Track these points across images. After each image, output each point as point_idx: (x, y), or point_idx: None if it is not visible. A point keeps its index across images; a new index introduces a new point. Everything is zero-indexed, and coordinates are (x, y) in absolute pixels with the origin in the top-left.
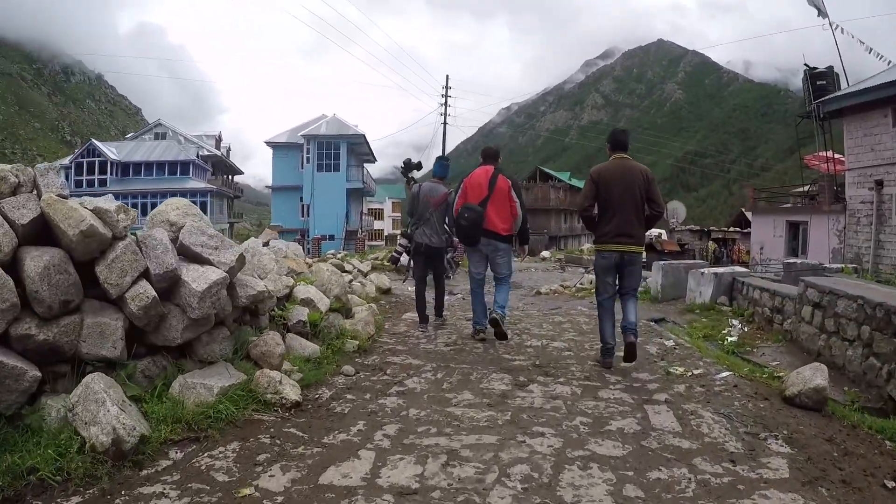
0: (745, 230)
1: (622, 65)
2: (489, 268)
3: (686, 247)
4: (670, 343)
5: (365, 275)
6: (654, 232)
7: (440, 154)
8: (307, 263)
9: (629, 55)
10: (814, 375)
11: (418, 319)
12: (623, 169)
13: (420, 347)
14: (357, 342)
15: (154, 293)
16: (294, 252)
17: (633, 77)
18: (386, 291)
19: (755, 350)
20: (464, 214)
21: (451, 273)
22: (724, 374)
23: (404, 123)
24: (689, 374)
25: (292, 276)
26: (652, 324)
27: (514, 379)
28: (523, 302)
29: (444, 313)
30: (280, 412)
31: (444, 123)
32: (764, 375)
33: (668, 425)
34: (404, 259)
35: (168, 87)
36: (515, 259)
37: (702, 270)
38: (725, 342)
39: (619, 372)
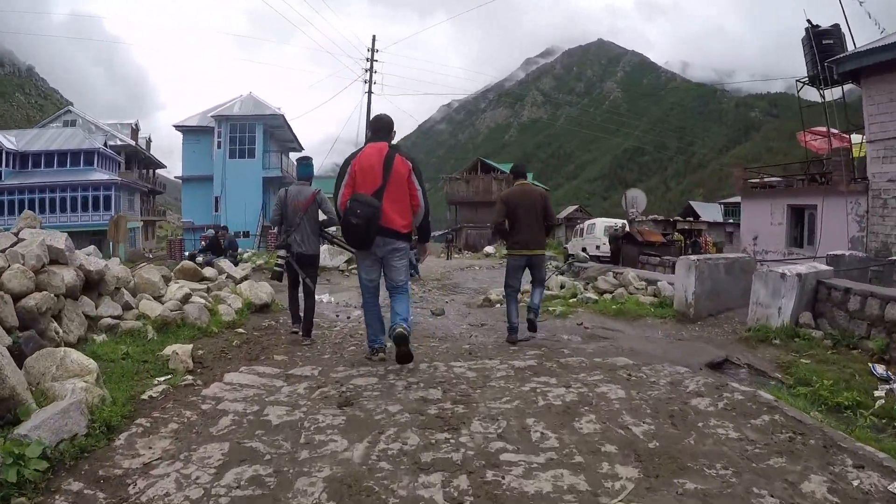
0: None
1: (562, 63)
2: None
3: (669, 237)
4: None
5: (238, 281)
6: (618, 222)
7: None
8: None
9: (569, 54)
10: None
11: (291, 321)
12: (525, 192)
13: None
14: None
15: None
16: (33, 249)
17: (573, 76)
18: (262, 308)
19: None
20: (355, 210)
21: (417, 274)
22: None
23: (341, 119)
24: None
25: None
26: (732, 382)
27: None
28: (468, 322)
29: (312, 336)
30: None
31: (369, 92)
32: None
33: None
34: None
35: (102, 81)
36: (418, 261)
37: (781, 270)
38: None
39: None
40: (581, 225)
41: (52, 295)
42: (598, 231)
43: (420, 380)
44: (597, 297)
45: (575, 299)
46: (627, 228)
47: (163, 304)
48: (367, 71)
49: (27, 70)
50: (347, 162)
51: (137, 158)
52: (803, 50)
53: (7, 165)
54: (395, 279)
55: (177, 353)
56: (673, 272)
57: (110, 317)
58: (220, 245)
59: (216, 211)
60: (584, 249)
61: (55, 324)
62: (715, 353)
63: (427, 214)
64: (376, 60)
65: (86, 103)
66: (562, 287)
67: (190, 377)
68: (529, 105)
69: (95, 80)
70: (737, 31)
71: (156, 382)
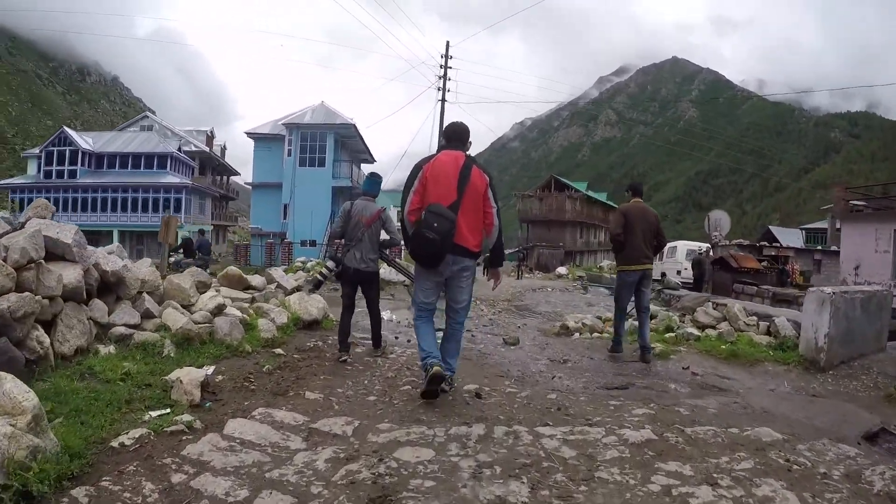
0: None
1: (636, 82)
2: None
3: (765, 264)
4: None
5: (288, 293)
6: (702, 246)
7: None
8: None
9: (644, 72)
10: None
11: (338, 346)
12: (642, 210)
13: None
14: None
15: None
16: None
17: (646, 94)
18: (311, 324)
19: None
20: (431, 223)
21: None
22: None
23: (415, 132)
24: None
25: None
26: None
27: None
28: (547, 356)
29: (382, 344)
30: None
31: (443, 100)
32: None
33: None
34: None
35: (183, 92)
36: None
37: None
38: None
39: None
40: None
41: (39, 297)
42: (679, 255)
43: (495, 459)
44: (699, 334)
45: (672, 334)
46: (712, 253)
47: (191, 314)
48: (440, 78)
49: (112, 80)
50: (418, 167)
51: (211, 164)
52: None
53: (83, 165)
54: (459, 298)
55: (181, 382)
56: (772, 304)
57: (125, 325)
58: (192, 247)
59: (284, 218)
60: (663, 274)
61: (39, 331)
62: (866, 417)
63: (500, 235)
64: (450, 67)
65: (168, 112)
66: (653, 317)
67: (187, 417)
68: (603, 124)
69: (177, 91)
70: (814, 45)
71: (146, 419)
